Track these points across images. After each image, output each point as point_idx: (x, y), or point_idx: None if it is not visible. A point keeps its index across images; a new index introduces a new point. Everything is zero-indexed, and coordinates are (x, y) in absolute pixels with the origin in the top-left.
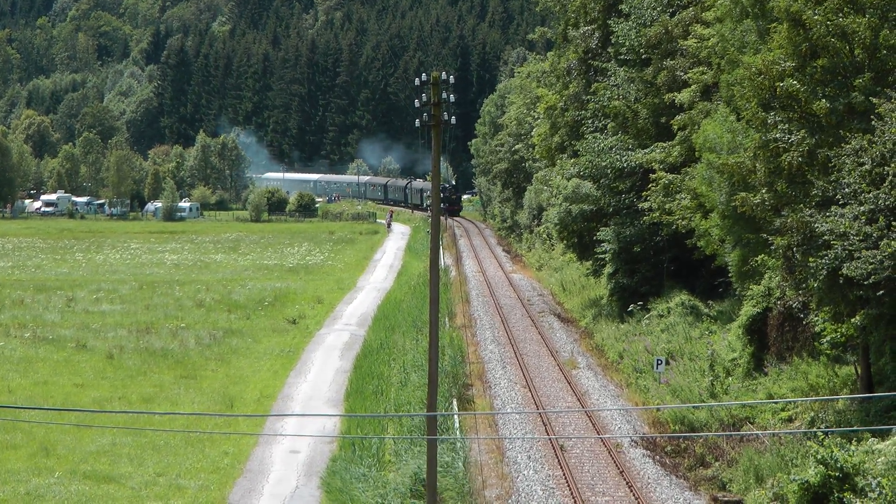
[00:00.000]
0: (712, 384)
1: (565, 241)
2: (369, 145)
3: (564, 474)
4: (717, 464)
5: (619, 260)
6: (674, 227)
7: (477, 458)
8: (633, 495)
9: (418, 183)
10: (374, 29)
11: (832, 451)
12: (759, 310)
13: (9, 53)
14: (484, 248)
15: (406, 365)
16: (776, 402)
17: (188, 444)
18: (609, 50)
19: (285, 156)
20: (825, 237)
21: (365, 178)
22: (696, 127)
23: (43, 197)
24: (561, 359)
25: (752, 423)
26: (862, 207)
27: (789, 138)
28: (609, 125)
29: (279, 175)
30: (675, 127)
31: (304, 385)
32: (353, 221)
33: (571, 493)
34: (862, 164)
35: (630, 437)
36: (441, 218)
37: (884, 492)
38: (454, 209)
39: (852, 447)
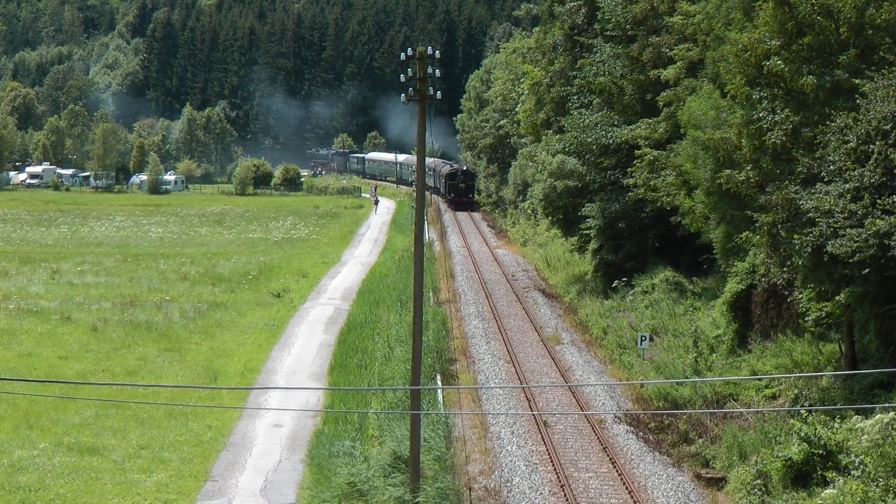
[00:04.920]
0: (696, 361)
1: (550, 217)
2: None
3: (548, 450)
4: (700, 440)
5: (603, 236)
6: (659, 203)
7: (460, 433)
8: (617, 471)
9: (443, 167)
10: (360, 3)
11: (815, 429)
12: (743, 287)
13: None
14: (469, 223)
15: (390, 339)
16: (760, 379)
17: (171, 416)
18: (595, 26)
19: (271, 130)
20: (810, 214)
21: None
22: (682, 103)
23: (28, 169)
24: (545, 334)
25: (735, 400)
26: (847, 185)
27: (773, 117)
28: (594, 101)
29: (365, 154)
30: (661, 103)
31: (288, 359)
32: (338, 196)
33: (555, 469)
34: (847, 142)
35: (614, 412)
36: (447, 208)
37: (867, 470)
38: (463, 201)
39: (836, 425)
